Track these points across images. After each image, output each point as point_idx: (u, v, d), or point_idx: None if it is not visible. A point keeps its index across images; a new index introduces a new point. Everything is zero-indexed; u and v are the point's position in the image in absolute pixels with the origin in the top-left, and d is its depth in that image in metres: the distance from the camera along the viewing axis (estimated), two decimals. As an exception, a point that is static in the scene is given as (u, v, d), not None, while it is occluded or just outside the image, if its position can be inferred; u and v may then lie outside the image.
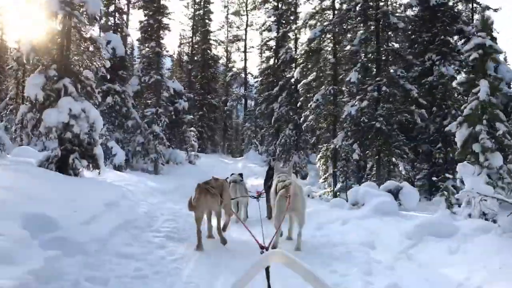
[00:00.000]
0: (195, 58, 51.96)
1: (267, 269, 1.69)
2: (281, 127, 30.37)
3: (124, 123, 25.55)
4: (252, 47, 48.40)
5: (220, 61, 54.81)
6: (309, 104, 19.43)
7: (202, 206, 6.61)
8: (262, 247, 2.47)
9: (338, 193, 18.91)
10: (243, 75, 48.48)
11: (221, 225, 7.06)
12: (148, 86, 26.03)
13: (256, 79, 40.98)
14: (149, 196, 13.46)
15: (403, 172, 16.80)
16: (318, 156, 19.43)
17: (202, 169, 30.25)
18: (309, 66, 20.51)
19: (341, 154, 18.32)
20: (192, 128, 32.81)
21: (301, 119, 20.18)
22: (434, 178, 15.31)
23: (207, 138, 50.55)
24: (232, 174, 10.77)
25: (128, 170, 20.11)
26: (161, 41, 25.99)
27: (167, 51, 27.46)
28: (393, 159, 16.75)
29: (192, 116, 34.02)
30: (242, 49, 49.48)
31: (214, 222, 7.85)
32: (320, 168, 19.52)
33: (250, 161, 34.75)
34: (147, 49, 26.32)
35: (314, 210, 11.56)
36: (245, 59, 49.44)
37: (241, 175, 10.76)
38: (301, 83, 21.24)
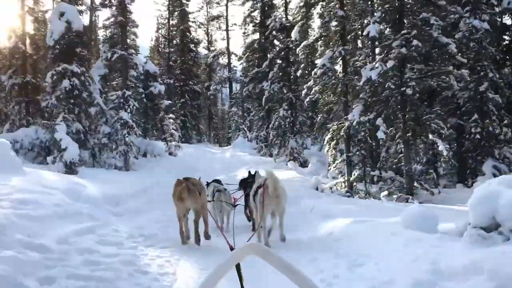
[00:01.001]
0: (174, 41, 46.97)
1: (238, 267, 1.54)
2: (273, 109, 25.86)
3: (87, 110, 20.82)
4: (235, 24, 43.43)
5: (201, 45, 49.98)
6: (313, 72, 14.91)
7: (182, 198, 6.12)
8: (231, 248, 2.44)
9: (354, 184, 14.53)
10: (226, 56, 43.50)
11: (197, 227, 6.46)
12: (112, 66, 21.23)
13: (241, 60, 36.21)
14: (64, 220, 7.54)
15: (444, 153, 12.43)
16: (327, 138, 15.02)
17: (185, 161, 25.63)
18: (309, 23, 15.90)
19: (357, 133, 13.90)
20: (171, 115, 28.06)
21: (303, 92, 15.63)
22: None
23: (191, 127, 45.83)
24: (214, 180, 9.93)
25: (83, 167, 15.43)
26: (127, 9, 21.06)
27: (133, 22, 22.54)
28: (430, 135, 12.37)
29: (170, 102, 29.27)
30: (224, 27, 44.55)
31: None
32: (329, 153, 15.11)
33: (239, 149, 30.20)
34: (109, 20, 21.45)
35: (340, 232, 7.41)
36: (228, 38, 44.59)
37: (218, 181, 9.84)
38: (301, 45, 16.71)
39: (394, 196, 12.74)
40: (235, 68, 43.42)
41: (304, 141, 22.66)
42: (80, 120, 20.71)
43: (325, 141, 15.07)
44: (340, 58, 14.23)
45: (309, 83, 15.13)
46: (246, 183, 9.39)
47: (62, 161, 14.18)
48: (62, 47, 20.22)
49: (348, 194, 14.19)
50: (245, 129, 34.63)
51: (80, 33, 20.54)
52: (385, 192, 12.76)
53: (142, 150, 25.97)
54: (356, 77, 14.11)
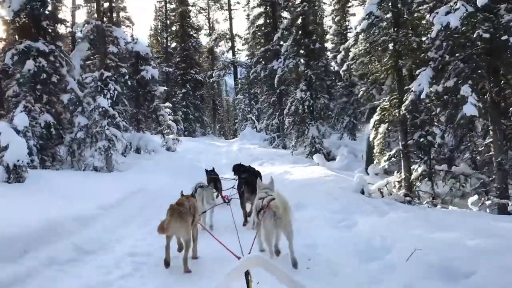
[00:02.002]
0: (173, 28, 42.37)
1: (246, 275, 1.54)
2: (288, 91, 21.33)
3: (58, 98, 16.43)
4: (238, 2, 38.56)
5: (202, 32, 45.36)
6: (353, 26, 10.34)
7: (173, 230, 5.32)
8: (239, 258, 2.23)
9: (415, 186, 10.05)
10: (229, 39, 38.79)
11: (188, 253, 5.45)
12: (90, 43, 16.74)
13: (245, 42, 31.52)
14: None
15: None
16: (373, 120, 10.49)
17: (185, 158, 21.19)
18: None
19: (420, 111, 9.40)
20: (167, 104, 23.57)
21: (338, 56, 11.03)
22: None
23: (195, 120, 41.38)
24: (208, 171, 9.95)
25: (38, 171, 10.95)
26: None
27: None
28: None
29: (165, 88, 24.73)
30: (226, 6, 39.75)
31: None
32: (376, 141, 10.59)
33: (247, 141, 25.73)
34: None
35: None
36: (230, 18, 39.79)
37: (212, 171, 10.00)
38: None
39: (487, 203, 8.23)
40: (239, 52, 38.79)
41: (327, 129, 18.15)
42: (50, 110, 16.31)
43: (371, 125, 10.52)
44: (390, 3, 9.60)
45: (346, 44, 10.55)
46: (240, 170, 9.13)
47: (3, 164, 9.73)
48: (24, 20, 15.85)
49: (408, 199, 9.67)
50: (253, 118, 30.13)
51: (44, 3, 16.09)
52: (474, 197, 8.25)
53: (133, 145, 21.56)
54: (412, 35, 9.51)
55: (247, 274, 1.58)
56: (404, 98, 9.10)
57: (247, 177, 8.43)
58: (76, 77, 16.55)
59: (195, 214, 5.84)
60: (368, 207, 7.98)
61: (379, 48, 9.76)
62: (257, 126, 29.71)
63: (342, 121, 25.04)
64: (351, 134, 24.69)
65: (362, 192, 10.18)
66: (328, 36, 24.35)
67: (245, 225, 7.95)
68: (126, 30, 33.73)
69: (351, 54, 10.18)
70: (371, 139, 11.00)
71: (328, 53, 22.97)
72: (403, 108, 9.04)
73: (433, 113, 9.49)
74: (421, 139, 9.65)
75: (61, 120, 17.00)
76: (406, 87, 9.36)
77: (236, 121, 34.91)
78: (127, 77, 17.57)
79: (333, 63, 23.10)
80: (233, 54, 38.82)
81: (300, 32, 17.94)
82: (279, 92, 22.55)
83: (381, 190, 10.52)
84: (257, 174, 9.07)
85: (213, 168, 10.61)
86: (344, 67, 10.75)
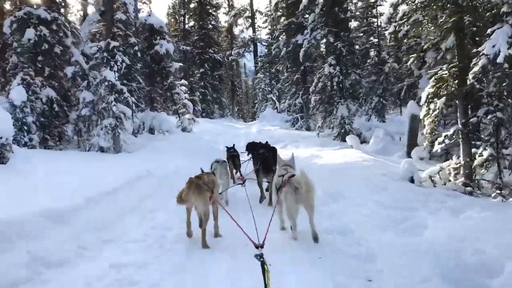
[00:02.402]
0: (191, 5, 40.36)
1: (262, 265, 1.47)
2: (312, 69, 19.33)
3: (62, 71, 14.88)
4: (259, -27, 36.10)
5: (221, 11, 43.21)
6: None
7: (190, 201, 5.27)
8: (257, 246, 1.98)
9: (478, 173, 8.14)
10: (249, 14, 36.59)
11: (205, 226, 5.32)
12: (100, 14, 14.95)
13: (266, 16, 29.38)
14: None
15: None
16: (424, 95, 8.52)
17: (201, 139, 19.49)
18: None
19: (489, 81, 7.41)
20: (183, 81, 21.83)
21: (384, 15, 9.03)
22: None
23: (213, 101, 39.61)
24: (228, 148, 9.63)
25: (24, 150, 9.35)
26: None
27: None
28: None
29: (181, 64, 22.92)
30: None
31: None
32: (426, 120, 8.65)
33: (267, 122, 23.89)
34: None
35: None
36: (250, -11, 37.35)
37: (232, 148, 9.59)
38: None
39: None
40: (260, 30, 36.63)
41: (358, 108, 16.16)
42: (53, 84, 14.75)
43: (423, 99, 8.57)
44: None
45: (396, -1, 8.50)
46: (254, 148, 8.84)
47: (-17, 144, 8.17)
48: (24, -16, 14.23)
49: (468, 189, 7.77)
50: (274, 98, 28.21)
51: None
52: None
53: (146, 125, 19.97)
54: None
55: (263, 263, 1.52)
56: (473, 63, 7.11)
57: (264, 152, 8.10)
58: (82, 48, 14.90)
59: (214, 190, 5.64)
60: (430, 201, 6.12)
61: (439, 3, 7.71)
62: (278, 107, 27.79)
63: (371, 101, 22.96)
64: (379, 116, 22.61)
65: (411, 181, 8.33)
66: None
67: (261, 202, 7.66)
68: (143, 7, 31.99)
69: (400, 12, 8.16)
70: (421, 116, 9.03)
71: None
72: (470, 76, 7.06)
73: (504, 84, 7.48)
74: (488, 116, 7.66)
75: (66, 95, 15.46)
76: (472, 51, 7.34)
77: (255, 101, 32.96)
78: (136, 47, 15.76)
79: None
80: (253, 31, 36.72)
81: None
82: (303, 69, 20.54)
83: (432, 178, 8.62)
84: (274, 150, 8.42)
85: (233, 145, 9.97)
86: (391, 28, 8.74)
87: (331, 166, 10.06)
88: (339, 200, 7.03)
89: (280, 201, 5.47)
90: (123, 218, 6.36)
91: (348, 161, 10.07)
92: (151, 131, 19.58)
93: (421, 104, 8.77)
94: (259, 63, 32.84)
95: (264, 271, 1.53)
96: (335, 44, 15.71)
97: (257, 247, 2.23)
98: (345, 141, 15.99)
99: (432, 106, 8.59)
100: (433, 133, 9.00)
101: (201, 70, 38.65)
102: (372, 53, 25.46)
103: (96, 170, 8.94)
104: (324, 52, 16.80)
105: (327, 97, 16.28)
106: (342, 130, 15.93)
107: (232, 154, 9.46)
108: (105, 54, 13.62)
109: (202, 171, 6.24)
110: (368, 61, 23.17)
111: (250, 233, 3.78)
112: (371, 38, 23.29)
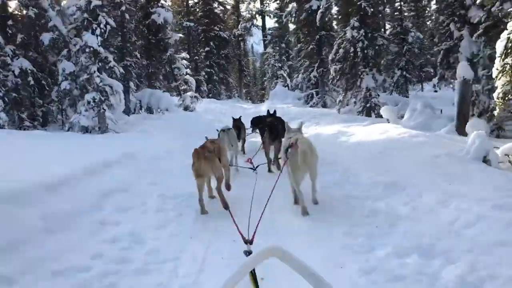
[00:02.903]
0: (194, -22, 37.48)
1: (253, 274, 1.38)
2: (329, 38, 16.77)
3: (37, 38, 12.64)
4: None
5: (227, -15, 40.17)
6: None
7: (201, 173, 5.03)
8: (245, 242, 1.78)
9: None
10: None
11: (221, 185, 5.24)
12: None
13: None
14: None
15: None
16: (500, 47, 6.00)
17: (204, 118, 17.05)
18: None
19: None
20: (183, 55, 19.31)
21: None
22: None
23: (219, 81, 37.04)
24: (235, 120, 8.89)
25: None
26: None
27: None
28: None
29: (180, 35, 20.46)
30: None
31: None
32: (500, 81, 6.16)
33: (278, 101, 21.37)
34: None
35: None
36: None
37: (238, 119, 8.94)
38: None
39: None
40: (268, 3, 33.73)
41: (386, 79, 13.59)
42: (27, 54, 12.45)
43: (500, 50, 6.06)
44: None
45: None
46: (259, 122, 8.57)
47: None
48: None
49: None
50: (285, 75, 25.63)
51: None
52: None
53: (144, 103, 17.60)
54: None
55: (253, 275, 1.36)
56: None
57: (271, 121, 7.73)
58: (59, 8, 12.48)
59: (221, 156, 5.44)
60: None
61: None
62: (289, 84, 25.22)
63: (393, 75, 20.36)
64: (401, 91, 20.04)
65: (485, 160, 5.90)
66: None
67: (270, 172, 7.18)
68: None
69: None
70: (494, 75, 6.54)
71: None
72: None
73: None
74: None
75: (45, 67, 13.13)
76: None
77: (264, 79, 30.23)
78: (124, 8, 13.30)
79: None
80: (261, 3, 33.87)
81: None
82: (318, 38, 17.90)
83: (509, 157, 6.18)
84: (282, 120, 7.67)
85: (240, 117, 9.30)
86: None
87: (369, 144, 7.67)
88: (400, 194, 4.64)
89: (287, 163, 5.14)
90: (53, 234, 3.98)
91: (391, 138, 7.64)
92: (149, 110, 17.22)
93: (497, 55, 6.26)
94: (268, 36, 30.10)
95: (255, 277, 1.33)
96: (359, 3, 13.08)
97: (245, 242, 1.92)
98: (370, 116, 13.53)
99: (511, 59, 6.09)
100: (505, 97, 6.52)
101: (206, 48, 36.00)
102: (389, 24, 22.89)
103: (46, 155, 6.56)
104: (345, 14, 14.14)
105: (350, 66, 13.72)
106: (368, 105, 13.44)
107: (238, 125, 8.77)
108: (85, 15, 11.16)
109: (207, 139, 5.90)
110: (389, 30, 20.57)
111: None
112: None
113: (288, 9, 19.46)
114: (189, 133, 12.66)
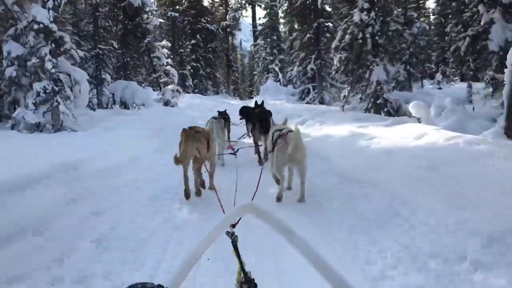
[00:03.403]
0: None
1: (234, 242, 1.34)
2: (328, 27, 14.58)
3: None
4: None
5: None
6: None
7: (188, 153, 4.84)
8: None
9: None
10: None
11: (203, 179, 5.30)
12: None
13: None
14: None
15: None
16: None
17: (186, 115, 14.71)
18: None
19: None
20: (164, 42, 16.87)
21: None
22: None
23: (206, 76, 34.64)
24: (219, 113, 8.45)
25: None
26: None
27: None
28: None
29: (161, 20, 18.06)
30: None
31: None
32: None
33: (270, 96, 19.07)
34: None
35: None
36: None
37: (224, 112, 8.62)
38: None
39: None
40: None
41: (400, 70, 11.38)
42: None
43: None
44: None
45: None
46: (248, 112, 8.07)
47: None
48: None
49: None
50: (276, 69, 23.36)
51: None
52: None
53: (117, 97, 15.18)
54: None
55: (233, 242, 1.34)
56: None
57: (259, 112, 7.28)
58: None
59: (209, 141, 5.21)
60: None
61: None
62: (281, 79, 22.98)
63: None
64: (405, 87, 17.94)
65: None
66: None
67: (260, 164, 6.87)
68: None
69: None
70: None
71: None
72: None
73: None
74: None
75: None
76: None
77: (254, 73, 27.88)
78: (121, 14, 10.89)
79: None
80: (251, -9, 31.51)
81: None
82: (316, 26, 15.67)
83: None
84: (269, 113, 7.10)
85: (225, 110, 9.02)
86: None
87: (406, 154, 5.50)
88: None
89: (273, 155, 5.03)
90: None
91: (437, 145, 5.44)
92: (124, 105, 14.83)
93: None
94: (258, 27, 27.76)
95: (236, 249, 1.29)
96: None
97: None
98: (379, 113, 11.36)
99: None
100: None
101: (193, 41, 33.59)
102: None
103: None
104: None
105: (356, 55, 11.51)
106: (377, 101, 11.26)
107: (223, 117, 8.20)
108: (33, -18, 8.75)
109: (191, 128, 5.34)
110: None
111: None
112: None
113: (282, -6, 17.16)
114: (167, 132, 10.39)
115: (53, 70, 8.67)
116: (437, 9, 24.54)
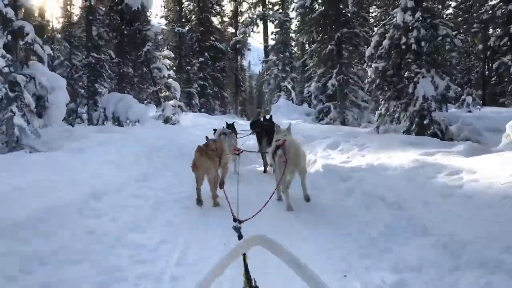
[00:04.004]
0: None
1: (244, 257, 1.39)
2: (350, 37, 12.38)
3: None
4: None
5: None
6: None
7: (200, 168, 5.20)
8: (235, 220, 1.86)
9: None
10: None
11: (216, 186, 5.33)
12: None
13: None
14: None
15: None
16: None
17: (188, 134, 12.32)
18: None
19: None
20: (165, 52, 14.64)
21: None
22: None
23: (214, 95, 32.47)
24: (228, 125, 8.60)
25: None
26: None
27: None
28: None
29: (163, 27, 15.95)
30: None
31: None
32: None
33: (283, 115, 16.70)
34: None
35: None
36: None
37: (231, 124, 8.64)
38: None
39: None
40: (271, 6, 29.35)
41: (450, 85, 9.01)
42: None
43: None
44: None
45: None
46: (258, 126, 8.38)
47: None
48: None
49: None
50: (289, 87, 21.10)
51: None
52: None
53: (109, 111, 12.92)
54: None
55: (239, 236, 1.47)
56: None
57: (267, 125, 7.72)
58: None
59: (222, 156, 5.56)
60: None
61: None
62: (293, 98, 20.68)
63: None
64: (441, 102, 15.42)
65: None
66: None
67: (265, 172, 7.57)
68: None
69: None
70: None
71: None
72: None
73: None
74: None
75: None
76: None
77: (265, 91, 25.53)
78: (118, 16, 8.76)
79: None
80: (264, 6, 29.48)
81: None
82: (339, 36, 13.41)
83: None
84: (277, 126, 6.62)
85: (233, 122, 8.96)
86: None
87: None
88: None
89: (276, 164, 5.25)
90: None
91: None
92: (118, 121, 12.53)
93: None
94: (271, 41, 25.61)
95: (245, 263, 1.35)
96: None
97: (235, 220, 1.88)
98: (423, 134, 8.94)
99: None
100: None
101: (201, 59, 31.49)
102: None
103: None
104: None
105: (395, 65, 9.16)
106: (425, 121, 8.84)
107: (231, 129, 8.15)
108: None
109: (207, 138, 5.72)
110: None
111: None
112: None
113: (301, 2, 14.81)
114: (161, 153, 8.10)
115: (6, 70, 6.37)
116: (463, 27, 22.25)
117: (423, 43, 8.89)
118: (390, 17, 9.37)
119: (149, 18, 13.80)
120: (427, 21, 8.90)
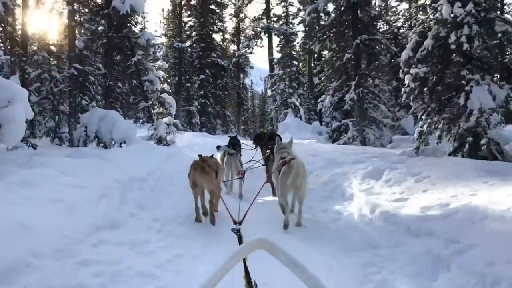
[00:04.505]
0: (191, 1, 31.64)
1: (244, 262, 1.40)
2: (369, 44, 10.59)
3: None
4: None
5: (227, 11, 34.41)
6: None
7: (198, 182, 5.16)
8: (235, 222, 1.98)
9: None
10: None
11: (218, 197, 5.35)
12: None
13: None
14: None
15: None
16: None
17: (183, 157, 10.31)
18: None
19: None
20: (159, 63, 12.84)
21: None
22: None
23: (215, 114, 30.63)
24: (231, 138, 8.46)
25: None
26: None
27: None
28: None
29: (157, 36, 14.12)
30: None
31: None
32: None
33: (292, 134, 14.72)
34: None
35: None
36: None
37: (234, 137, 8.55)
38: None
39: None
40: (275, 18, 27.70)
41: (510, 93, 7.12)
42: None
43: None
44: None
45: None
46: (262, 139, 8.22)
47: None
48: None
49: None
50: (297, 103, 19.20)
51: None
52: None
53: (90, 130, 11.00)
54: None
55: (239, 236, 1.46)
56: None
57: (270, 140, 7.51)
58: None
59: (218, 171, 5.41)
60: None
61: None
62: (302, 115, 18.76)
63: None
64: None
65: None
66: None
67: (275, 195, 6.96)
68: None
69: None
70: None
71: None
72: None
73: None
74: None
75: None
76: None
77: (271, 108, 23.63)
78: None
79: None
80: (268, 18, 27.82)
81: None
82: (357, 44, 11.53)
83: None
84: (280, 138, 6.57)
85: (236, 135, 9.11)
86: None
87: None
88: None
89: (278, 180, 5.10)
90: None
91: None
92: (101, 142, 10.57)
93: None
94: (276, 54, 23.83)
95: (246, 266, 1.38)
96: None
97: (235, 222, 2.07)
98: (475, 157, 6.95)
99: None
100: None
101: (201, 76, 29.81)
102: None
103: None
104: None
105: (440, 70, 7.25)
106: (483, 140, 6.87)
107: (233, 142, 8.14)
108: None
109: (200, 156, 5.35)
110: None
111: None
112: None
113: (315, 4, 12.94)
114: (146, 185, 6.16)
115: None
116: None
117: (476, 43, 6.99)
118: (432, 11, 7.49)
119: (140, 23, 11.93)
120: (481, 15, 7.02)
